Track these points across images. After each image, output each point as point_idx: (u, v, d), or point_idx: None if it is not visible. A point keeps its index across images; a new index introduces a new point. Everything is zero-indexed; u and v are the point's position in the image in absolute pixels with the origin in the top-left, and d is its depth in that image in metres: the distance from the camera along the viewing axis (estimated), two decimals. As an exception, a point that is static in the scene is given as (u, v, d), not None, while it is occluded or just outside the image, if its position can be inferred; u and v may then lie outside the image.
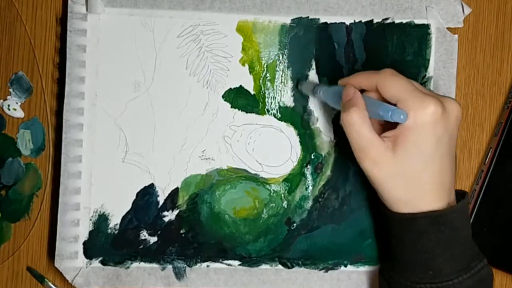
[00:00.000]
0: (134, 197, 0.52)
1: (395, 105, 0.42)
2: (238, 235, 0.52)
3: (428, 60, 0.53)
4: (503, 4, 0.54)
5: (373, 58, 0.53)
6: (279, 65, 0.52)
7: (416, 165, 0.42)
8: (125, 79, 0.52)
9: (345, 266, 0.53)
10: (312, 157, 0.53)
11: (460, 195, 0.46)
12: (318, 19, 0.52)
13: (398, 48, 0.53)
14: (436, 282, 0.43)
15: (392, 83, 0.42)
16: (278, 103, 0.53)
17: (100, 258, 0.52)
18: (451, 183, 0.44)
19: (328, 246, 0.53)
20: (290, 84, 0.53)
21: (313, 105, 0.53)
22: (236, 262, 0.52)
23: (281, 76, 0.53)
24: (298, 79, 0.52)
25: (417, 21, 0.53)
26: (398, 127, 0.42)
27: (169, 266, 0.52)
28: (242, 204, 0.52)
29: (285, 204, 0.53)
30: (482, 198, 0.52)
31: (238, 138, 0.52)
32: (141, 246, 0.52)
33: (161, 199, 0.52)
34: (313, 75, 0.53)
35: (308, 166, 0.53)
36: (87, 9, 0.51)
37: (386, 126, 0.45)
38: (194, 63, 0.52)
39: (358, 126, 0.42)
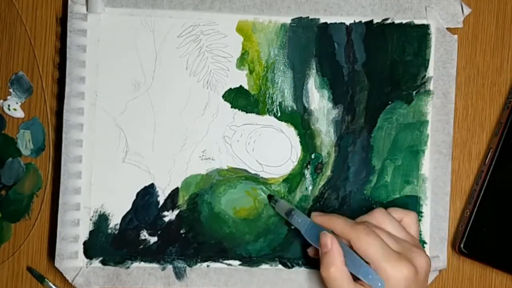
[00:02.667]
0: (134, 197, 0.52)
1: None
2: (238, 235, 0.52)
3: (428, 60, 0.53)
4: (503, 4, 0.54)
5: (373, 58, 0.53)
6: (279, 65, 0.52)
7: None
8: (125, 79, 0.52)
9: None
10: (312, 157, 0.53)
11: None
12: (318, 19, 0.52)
13: (398, 48, 0.53)
14: None
15: (366, 244, 0.43)
16: (278, 103, 0.53)
17: (100, 258, 0.52)
18: None
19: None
20: (290, 84, 0.53)
21: (314, 105, 0.53)
22: (236, 262, 0.52)
23: (281, 76, 0.53)
24: (272, 195, 0.52)
25: (417, 21, 0.53)
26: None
27: (169, 266, 0.52)
28: (242, 204, 0.52)
29: (285, 204, 0.53)
30: (482, 198, 0.52)
31: (238, 138, 0.52)
32: (141, 246, 0.52)
33: (161, 199, 0.52)
34: (312, 76, 0.53)
35: (308, 166, 0.53)
36: (87, 9, 0.51)
37: None
38: (194, 63, 0.52)
39: (340, 283, 0.43)
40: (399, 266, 0.43)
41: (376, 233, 0.44)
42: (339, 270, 0.43)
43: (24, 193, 0.53)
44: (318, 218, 0.47)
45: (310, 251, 0.51)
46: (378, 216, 0.46)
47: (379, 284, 0.42)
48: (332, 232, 0.46)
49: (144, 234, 0.52)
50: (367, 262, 0.43)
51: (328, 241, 0.44)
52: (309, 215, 0.51)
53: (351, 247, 0.45)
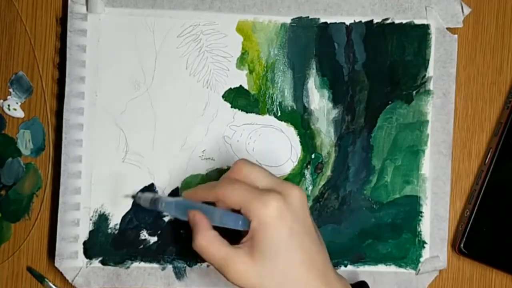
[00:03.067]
0: (134, 197, 0.52)
1: (239, 211, 0.41)
2: (238, 235, 0.52)
3: (428, 60, 0.53)
4: (503, 4, 0.54)
5: (373, 58, 0.53)
6: (279, 65, 0.53)
7: (279, 262, 0.40)
8: (125, 79, 0.52)
9: (345, 266, 0.53)
10: (312, 157, 0.53)
11: (358, 285, 0.46)
12: (318, 19, 0.52)
13: (398, 48, 0.53)
14: None
15: (230, 192, 0.41)
16: (278, 103, 0.53)
17: (100, 258, 0.52)
18: (325, 269, 0.42)
19: (328, 246, 0.52)
20: (290, 84, 0.53)
21: (314, 105, 0.53)
22: (236, 262, 0.52)
23: (281, 76, 0.53)
24: (134, 195, 0.51)
25: (417, 21, 0.53)
26: (249, 232, 0.41)
27: (169, 266, 0.52)
28: (242, 204, 0.52)
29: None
30: (482, 198, 0.52)
31: (238, 138, 0.52)
32: (141, 246, 0.52)
33: (161, 199, 0.52)
34: (312, 76, 0.53)
35: (308, 166, 0.53)
36: (87, 9, 0.51)
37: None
38: (194, 63, 0.52)
39: (208, 248, 0.41)
40: (266, 198, 0.40)
41: (238, 180, 0.42)
42: (206, 236, 0.41)
43: (24, 193, 0.53)
44: (186, 194, 0.45)
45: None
46: (240, 166, 0.43)
47: (240, 222, 0.40)
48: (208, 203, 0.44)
49: (144, 234, 0.52)
50: (239, 212, 0.41)
51: (191, 215, 0.43)
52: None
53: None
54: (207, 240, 0.42)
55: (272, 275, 0.40)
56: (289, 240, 0.40)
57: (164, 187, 0.52)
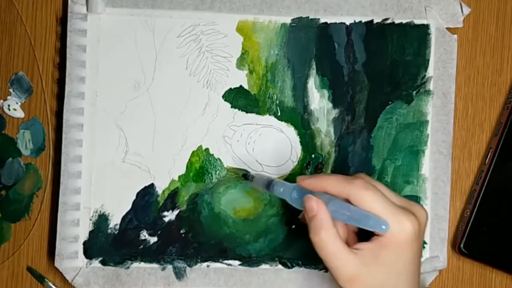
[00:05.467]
0: (134, 197, 0.52)
1: None
2: (238, 235, 0.52)
3: (428, 60, 0.53)
4: (503, 4, 0.55)
5: (373, 58, 0.53)
6: (279, 65, 0.53)
7: (394, 278, 0.41)
8: (125, 79, 0.52)
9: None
10: (312, 157, 0.53)
11: None
12: (318, 19, 0.52)
13: (398, 48, 0.53)
14: None
15: (366, 197, 0.40)
16: (278, 103, 0.53)
17: (100, 258, 0.52)
18: (419, 281, 0.44)
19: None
20: (290, 84, 0.53)
21: (314, 105, 0.53)
22: (236, 262, 0.52)
23: (281, 76, 0.53)
24: (246, 173, 0.50)
25: (417, 21, 0.53)
26: (373, 241, 0.41)
27: (169, 266, 0.52)
28: (242, 204, 0.52)
29: (285, 204, 0.52)
30: (482, 198, 0.52)
31: (238, 138, 0.52)
32: (141, 246, 0.52)
33: (161, 199, 0.52)
34: (312, 76, 0.53)
35: (308, 166, 0.53)
36: (87, 9, 0.51)
37: (355, 232, 0.44)
38: (194, 63, 0.52)
39: (331, 249, 0.41)
40: (404, 220, 0.40)
41: (376, 187, 0.41)
42: (329, 233, 0.41)
43: (24, 193, 0.53)
44: (305, 181, 0.43)
45: (301, 217, 0.48)
46: (361, 182, 0.42)
47: (383, 227, 0.39)
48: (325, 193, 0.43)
49: (144, 234, 0.52)
50: None
51: (314, 204, 0.41)
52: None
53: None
54: (331, 239, 0.41)
55: (380, 286, 0.41)
56: (408, 264, 0.41)
57: (164, 187, 0.52)
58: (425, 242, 0.53)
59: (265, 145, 0.53)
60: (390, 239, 0.40)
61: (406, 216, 0.40)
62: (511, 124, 0.52)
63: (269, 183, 0.46)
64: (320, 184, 0.42)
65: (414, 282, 0.42)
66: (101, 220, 0.52)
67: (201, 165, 0.52)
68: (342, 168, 0.53)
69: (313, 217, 0.41)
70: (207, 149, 0.52)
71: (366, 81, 0.53)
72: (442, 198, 0.53)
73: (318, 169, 0.53)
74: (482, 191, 0.52)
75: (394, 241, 0.40)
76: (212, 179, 0.52)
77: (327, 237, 0.41)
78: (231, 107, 0.52)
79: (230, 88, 0.52)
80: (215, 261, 0.52)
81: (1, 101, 0.53)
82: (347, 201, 0.41)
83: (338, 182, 0.42)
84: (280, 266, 0.53)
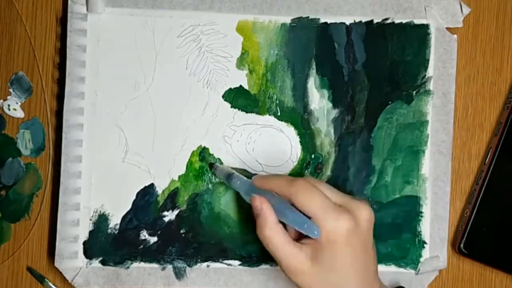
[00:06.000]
0: (134, 197, 0.52)
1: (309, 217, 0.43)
2: (238, 235, 0.52)
3: (428, 60, 0.53)
4: (503, 4, 0.55)
5: (373, 58, 0.53)
6: (279, 65, 0.53)
7: (337, 274, 0.42)
8: (125, 79, 0.52)
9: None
10: (312, 157, 0.53)
11: None
12: (318, 19, 0.52)
13: (398, 48, 0.53)
14: None
15: (305, 198, 0.42)
16: (278, 103, 0.53)
17: (100, 258, 0.52)
18: (374, 278, 0.45)
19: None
20: (290, 84, 0.53)
21: (314, 105, 0.53)
22: (236, 262, 0.52)
23: (281, 76, 0.53)
24: (212, 163, 0.52)
25: (417, 21, 0.53)
26: (315, 240, 0.43)
27: (169, 266, 0.52)
28: (242, 204, 0.52)
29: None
30: (482, 198, 0.52)
31: (238, 138, 0.52)
32: (141, 246, 0.52)
33: (161, 199, 0.52)
34: (312, 76, 0.53)
35: (308, 166, 0.53)
36: (87, 9, 0.51)
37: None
38: (194, 63, 0.52)
39: (274, 243, 0.43)
40: (339, 219, 0.42)
41: (316, 187, 0.43)
42: (272, 229, 0.43)
43: (24, 193, 0.53)
44: (257, 181, 0.46)
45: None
46: (302, 184, 0.44)
47: (315, 232, 0.41)
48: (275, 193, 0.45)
49: (144, 234, 0.52)
50: (308, 217, 0.42)
51: (258, 202, 0.44)
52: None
53: (292, 205, 0.44)
54: (274, 233, 0.43)
55: (326, 282, 0.43)
56: (350, 259, 0.43)
57: (164, 187, 0.52)
58: (425, 242, 0.53)
59: (265, 145, 0.53)
60: (325, 238, 0.42)
61: (342, 215, 0.42)
62: (511, 124, 0.52)
63: (229, 175, 0.49)
64: (268, 184, 0.45)
65: (365, 273, 0.44)
66: (101, 220, 0.52)
67: (201, 165, 0.52)
68: (342, 168, 0.53)
69: (258, 215, 0.44)
70: (207, 149, 0.52)
71: (366, 81, 0.53)
72: (442, 198, 0.53)
73: (318, 169, 0.53)
74: (482, 191, 0.52)
75: (329, 240, 0.42)
76: (212, 179, 0.52)
77: (271, 233, 0.43)
78: (231, 107, 0.52)
79: (230, 88, 0.52)
80: (215, 261, 0.52)
81: (1, 101, 0.53)
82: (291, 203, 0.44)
83: (282, 183, 0.44)
84: (280, 266, 0.53)
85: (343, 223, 0.42)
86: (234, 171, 0.50)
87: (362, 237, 0.43)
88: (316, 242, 0.42)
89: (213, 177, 0.52)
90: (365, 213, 0.43)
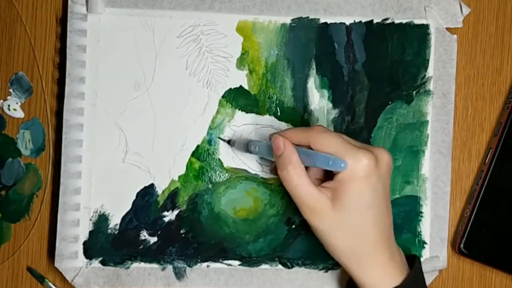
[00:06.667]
0: (134, 197, 0.52)
1: None
2: (238, 235, 0.52)
3: (428, 60, 0.53)
4: (503, 4, 0.55)
5: (373, 58, 0.53)
6: (279, 65, 0.53)
7: (355, 216, 0.43)
8: (125, 79, 0.52)
9: (345, 266, 0.53)
10: (312, 157, 0.53)
11: (410, 258, 0.47)
12: (318, 19, 0.52)
13: (397, 48, 0.53)
14: None
15: (324, 139, 0.43)
16: (278, 103, 0.53)
17: (100, 258, 0.52)
18: (390, 233, 0.45)
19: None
20: (290, 84, 0.53)
21: (314, 105, 0.53)
22: (236, 262, 0.52)
23: (281, 76, 0.53)
24: (231, 139, 0.52)
25: (417, 21, 0.53)
26: (335, 179, 0.43)
27: (169, 266, 0.52)
28: (242, 204, 0.52)
29: (285, 204, 0.53)
30: (482, 198, 0.52)
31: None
32: (141, 246, 0.52)
33: (161, 199, 0.52)
34: (312, 76, 0.53)
35: (308, 166, 0.53)
36: (87, 9, 0.51)
37: (324, 175, 0.47)
38: (194, 63, 0.52)
39: (296, 182, 0.43)
40: (360, 153, 0.42)
41: (333, 132, 0.44)
42: (296, 168, 0.43)
43: (24, 193, 0.53)
44: (275, 136, 0.46)
45: (272, 170, 0.51)
46: (319, 128, 0.45)
47: (342, 165, 0.42)
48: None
49: (144, 234, 0.52)
50: None
51: (281, 142, 0.44)
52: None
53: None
54: (297, 174, 0.44)
55: (345, 225, 0.43)
56: (370, 199, 0.43)
57: (164, 187, 0.52)
58: (425, 242, 0.53)
59: (265, 145, 0.53)
60: (348, 175, 0.42)
61: (363, 153, 0.42)
62: (511, 124, 0.52)
63: (247, 145, 0.50)
64: (286, 135, 0.45)
65: (381, 221, 0.44)
66: (101, 220, 0.52)
67: (201, 165, 0.52)
68: (342, 168, 0.53)
69: (281, 154, 0.44)
70: (207, 149, 0.52)
71: (366, 81, 0.53)
72: (442, 198, 0.53)
73: (318, 169, 0.53)
74: (482, 191, 0.52)
75: (352, 176, 0.42)
76: (212, 179, 0.52)
77: (293, 171, 0.43)
78: (231, 107, 0.52)
79: (230, 88, 0.52)
80: (215, 261, 0.52)
81: (1, 101, 0.53)
82: (309, 148, 0.44)
83: (299, 132, 0.45)
84: (280, 266, 0.53)
85: (364, 158, 0.42)
86: (250, 139, 0.50)
87: (382, 178, 0.43)
88: (337, 183, 0.43)
89: (213, 177, 0.52)
90: (385, 156, 0.44)
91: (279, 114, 0.53)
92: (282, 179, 0.44)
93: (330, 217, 0.43)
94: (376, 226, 0.44)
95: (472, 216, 0.52)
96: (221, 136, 0.52)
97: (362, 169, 0.42)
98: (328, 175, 0.46)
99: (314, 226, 0.44)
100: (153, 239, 0.52)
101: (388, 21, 0.53)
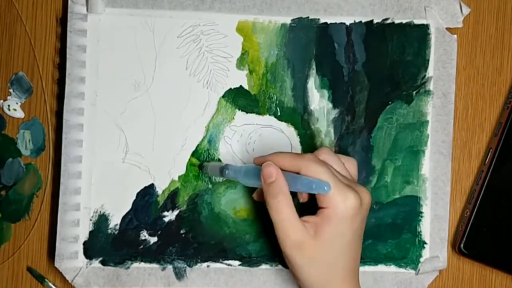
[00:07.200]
0: (134, 197, 0.52)
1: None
2: (238, 235, 0.52)
3: (428, 60, 0.53)
4: (503, 4, 0.55)
5: (373, 58, 0.53)
6: (279, 65, 0.53)
7: (334, 253, 0.43)
8: (125, 79, 0.52)
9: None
10: (312, 157, 0.53)
11: None
12: (318, 19, 0.52)
13: (397, 48, 0.53)
14: None
15: (316, 170, 0.43)
16: (278, 103, 0.53)
17: (100, 258, 0.52)
18: (358, 269, 0.46)
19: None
20: (290, 84, 0.53)
21: (314, 105, 0.53)
22: (236, 262, 0.52)
23: (281, 76, 0.53)
24: (201, 164, 0.52)
25: (417, 21, 0.53)
26: (319, 214, 0.43)
27: (169, 266, 0.52)
28: (242, 204, 0.52)
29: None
30: (482, 198, 0.52)
31: (238, 139, 0.53)
32: (141, 246, 0.52)
33: (161, 199, 0.52)
34: (312, 76, 0.53)
35: (308, 166, 0.53)
36: (87, 10, 0.51)
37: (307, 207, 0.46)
38: (194, 63, 0.52)
39: (285, 215, 0.43)
40: (347, 194, 0.42)
41: (325, 163, 0.44)
42: (286, 198, 0.43)
43: (24, 193, 0.53)
44: (260, 159, 0.46)
45: (255, 196, 0.50)
46: (324, 153, 0.45)
47: (325, 188, 0.41)
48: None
49: (144, 234, 0.52)
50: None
51: (273, 170, 0.43)
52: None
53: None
54: (288, 205, 0.43)
55: (322, 261, 0.43)
56: (351, 238, 0.43)
57: (164, 187, 0.52)
58: (425, 242, 0.53)
59: (265, 146, 0.52)
60: (333, 211, 0.42)
61: (350, 192, 0.42)
62: (511, 124, 0.52)
63: (222, 168, 0.48)
64: (274, 160, 0.45)
65: (355, 258, 0.45)
66: (101, 220, 0.52)
67: (201, 165, 0.52)
68: (342, 168, 0.53)
69: (272, 182, 0.43)
70: (207, 149, 0.52)
71: (366, 81, 0.53)
72: (442, 198, 0.53)
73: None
74: (482, 191, 0.52)
75: (336, 213, 0.42)
76: (212, 179, 0.52)
77: (284, 201, 0.43)
78: (231, 107, 0.52)
79: (230, 88, 0.52)
80: (215, 261, 0.52)
81: (1, 101, 0.53)
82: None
83: (290, 157, 0.44)
84: (280, 266, 0.53)
85: (351, 198, 0.42)
86: (225, 163, 0.49)
87: (362, 220, 0.44)
88: (321, 219, 0.42)
89: (213, 177, 0.52)
90: (367, 198, 0.44)
91: (279, 114, 0.53)
92: (270, 207, 0.43)
93: (310, 252, 0.43)
94: (350, 264, 0.44)
95: (472, 216, 0.52)
96: (193, 160, 0.52)
97: (349, 210, 0.42)
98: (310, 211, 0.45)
99: (293, 261, 0.44)
100: (153, 239, 0.52)
101: (388, 21, 0.53)
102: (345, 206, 0.42)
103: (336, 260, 0.43)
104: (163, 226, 0.52)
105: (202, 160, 0.52)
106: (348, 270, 0.44)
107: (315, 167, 0.43)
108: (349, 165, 0.47)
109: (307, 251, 0.43)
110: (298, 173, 0.43)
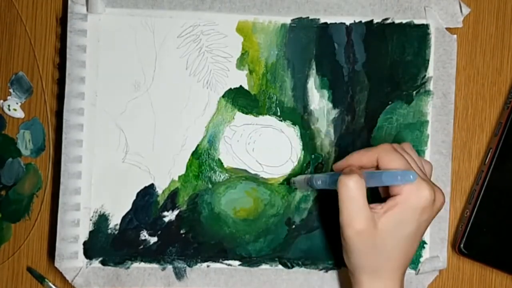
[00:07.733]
0: (134, 197, 0.52)
1: None
2: (238, 235, 0.52)
3: (428, 60, 0.53)
4: (503, 4, 0.55)
5: (373, 58, 0.53)
6: (279, 65, 0.53)
7: (394, 241, 0.43)
8: (125, 79, 0.52)
9: (345, 266, 0.53)
10: (312, 157, 0.53)
11: None
12: (318, 19, 0.52)
13: (397, 48, 0.53)
14: None
15: (393, 158, 0.43)
16: (278, 103, 0.53)
17: (100, 258, 0.52)
18: (409, 261, 0.45)
19: (328, 246, 0.53)
20: (290, 84, 0.53)
21: (314, 105, 0.53)
22: (236, 262, 0.52)
23: (281, 76, 0.53)
24: (288, 180, 0.52)
25: (417, 21, 0.53)
26: (388, 201, 0.42)
27: (169, 266, 0.52)
28: (242, 205, 0.52)
29: (285, 204, 0.53)
30: (482, 198, 0.52)
31: (238, 138, 0.53)
32: (141, 246, 0.52)
33: (161, 199, 0.52)
34: (312, 76, 0.53)
35: (308, 167, 0.53)
36: (87, 10, 0.51)
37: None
38: (194, 63, 0.52)
39: (354, 192, 0.42)
40: (423, 186, 0.41)
41: (400, 153, 0.43)
42: (359, 179, 0.41)
43: (24, 193, 0.53)
44: (338, 164, 0.46)
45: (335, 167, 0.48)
46: (405, 145, 0.45)
47: (411, 177, 0.40)
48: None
49: (144, 234, 0.52)
50: None
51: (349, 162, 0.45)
52: (309, 215, 0.51)
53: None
54: (358, 185, 0.42)
55: (378, 248, 0.43)
56: (413, 231, 0.43)
57: (164, 187, 0.52)
58: (425, 242, 0.53)
59: (265, 145, 0.53)
60: (405, 197, 0.42)
61: (426, 184, 0.42)
62: (511, 124, 0.52)
63: (309, 180, 0.48)
64: (351, 159, 0.45)
65: (410, 252, 0.44)
66: (101, 220, 0.52)
67: (200, 165, 0.52)
68: (342, 168, 0.53)
69: (348, 170, 0.44)
70: (207, 149, 0.52)
71: (366, 81, 0.53)
72: (442, 198, 0.53)
73: (318, 169, 0.53)
74: (482, 191, 0.52)
75: (407, 200, 0.42)
76: (212, 179, 0.52)
77: (356, 182, 0.42)
78: (231, 107, 0.52)
79: (230, 88, 0.52)
80: (215, 261, 0.52)
81: (1, 101, 0.53)
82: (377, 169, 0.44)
83: (366, 153, 0.44)
84: (280, 266, 0.53)
85: (426, 191, 0.42)
86: (310, 174, 0.49)
87: (429, 217, 0.43)
88: (390, 204, 0.42)
89: (213, 177, 0.52)
90: (441, 198, 0.43)
91: (279, 114, 0.53)
92: (342, 185, 0.42)
93: (369, 238, 0.42)
94: (405, 255, 0.44)
95: (472, 216, 0.52)
96: (271, 192, 0.52)
97: (422, 201, 0.42)
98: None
99: (353, 245, 0.43)
100: (153, 239, 0.52)
101: (388, 21, 0.53)
102: (418, 196, 0.41)
103: (393, 248, 0.43)
104: (163, 226, 0.52)
105: (202, 160, 0.52)
106: (400, 261, 0.44)
107: (390, 155, 0.43)
108: (426, 167, 0.46)
109: (367, 236, 0.42)
110: (376, 167, 0.44)
